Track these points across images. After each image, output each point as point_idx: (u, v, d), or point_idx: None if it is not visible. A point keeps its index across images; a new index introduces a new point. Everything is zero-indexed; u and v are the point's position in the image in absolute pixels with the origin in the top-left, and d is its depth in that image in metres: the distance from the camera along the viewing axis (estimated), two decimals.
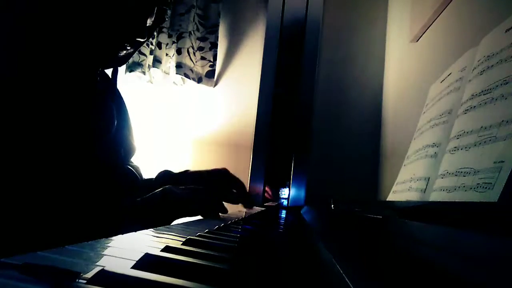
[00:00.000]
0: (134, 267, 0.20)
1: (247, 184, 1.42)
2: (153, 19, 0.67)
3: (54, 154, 0.53)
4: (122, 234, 0.30)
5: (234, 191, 0.84)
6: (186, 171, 0.86)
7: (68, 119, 0.56)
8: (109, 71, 0.76)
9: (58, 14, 0.59)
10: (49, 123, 0.53)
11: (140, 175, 0.83)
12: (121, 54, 0.66)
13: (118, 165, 0.72)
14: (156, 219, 0.63)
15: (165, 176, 0.84)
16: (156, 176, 0.85)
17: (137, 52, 1.59)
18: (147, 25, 0.66)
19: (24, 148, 0.50)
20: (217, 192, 0.76)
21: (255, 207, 1.01)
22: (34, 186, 0.50)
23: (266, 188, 1.40)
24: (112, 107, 0.69)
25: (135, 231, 0.33)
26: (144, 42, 0.68)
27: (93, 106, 0.63)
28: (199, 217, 0.69)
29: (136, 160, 0.87)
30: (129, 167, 0.78)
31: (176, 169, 0.88)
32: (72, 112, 0.57)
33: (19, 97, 0.51)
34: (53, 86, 0.55)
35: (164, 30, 1.56)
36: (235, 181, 0.84)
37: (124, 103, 0.81)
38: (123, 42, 0.64)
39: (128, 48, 0.66)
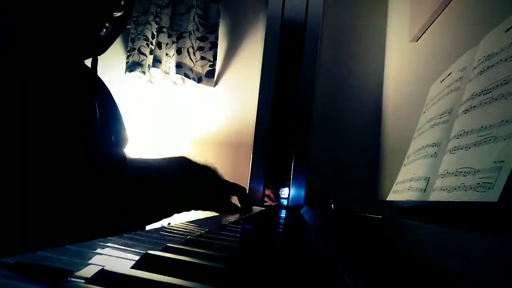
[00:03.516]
0: (134, 266, 0.20)
1: (247, 184, 1.42)
2: None
3: (38, 149, 0.51)
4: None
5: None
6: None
7: (49, 115, 0.53)
8: (88, 62, 0.72)
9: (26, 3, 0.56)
10: (28, 118, 0.50)
11: None
12: (102, 34, 0.62)
13: (110, 156, 0.70)
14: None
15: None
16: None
17: (137, 52, 1.59)
18: None
19: (7, 144, 0.48)
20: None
21: (255, 207, 1.01)
22: (23, 182, 0.48)
23: (269, 193, 1.40)
24: (92, 99, 0.67)
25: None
26: (124, 18, 0.65)
27: (71, 98, 0.59)
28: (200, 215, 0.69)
29: (134, 156, 0.86)
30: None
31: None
32: (51, 106, 0.54)
33: None
34: (28, 79, 0.52)
35: (164, 30, 1.56)
36: (235, 188, 0.80)
37: (109, 92, 0.76)
38: (99, 18, 0.60)
39: (107, 25, 0.62)
